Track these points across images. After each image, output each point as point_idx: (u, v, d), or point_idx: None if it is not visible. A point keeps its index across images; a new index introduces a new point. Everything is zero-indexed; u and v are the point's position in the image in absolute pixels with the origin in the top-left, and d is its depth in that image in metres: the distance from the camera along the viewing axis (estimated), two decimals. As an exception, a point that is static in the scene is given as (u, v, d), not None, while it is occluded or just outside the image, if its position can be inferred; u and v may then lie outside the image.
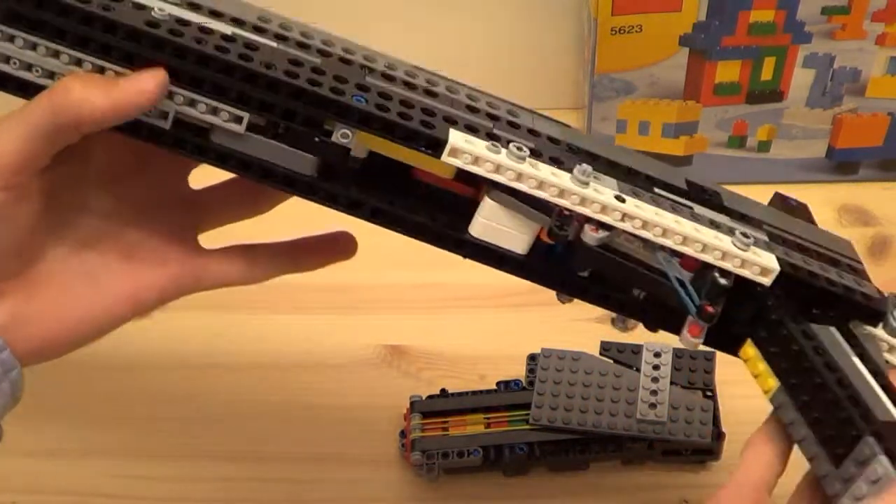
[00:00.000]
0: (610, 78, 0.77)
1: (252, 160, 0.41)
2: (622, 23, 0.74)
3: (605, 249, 0.42)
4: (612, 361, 0.63)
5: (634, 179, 0.43)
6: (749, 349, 0.42)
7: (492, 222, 0.42)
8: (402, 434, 0.63)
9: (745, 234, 0.42)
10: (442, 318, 0.71)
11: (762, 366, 0.42)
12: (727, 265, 0.41)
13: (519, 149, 0.40)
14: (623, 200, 0.41)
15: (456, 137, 0.40)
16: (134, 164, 0.43)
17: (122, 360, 0.69)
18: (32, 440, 0.63)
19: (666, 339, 0.63)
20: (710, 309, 0.41)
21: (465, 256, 0.44)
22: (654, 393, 0.60)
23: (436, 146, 0.40)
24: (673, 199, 0.43)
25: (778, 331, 0.41)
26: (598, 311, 0.71)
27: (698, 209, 0.43)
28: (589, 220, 0.41)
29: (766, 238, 0.43)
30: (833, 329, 0.42)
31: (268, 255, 0.46)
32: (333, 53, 0.43)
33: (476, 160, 0.40)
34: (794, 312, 0.41)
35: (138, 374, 0.68)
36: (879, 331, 0.44)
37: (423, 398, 0.63)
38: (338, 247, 0.47)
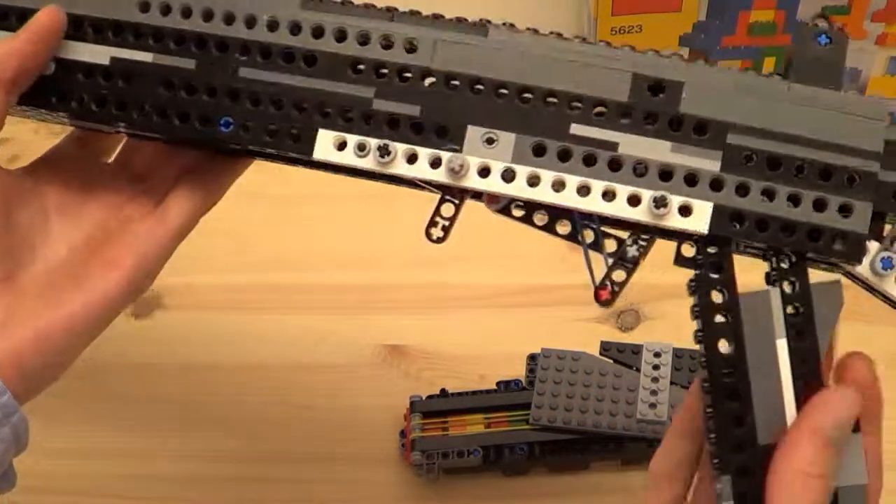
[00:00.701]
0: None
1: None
2: (622, 23, 0.74)
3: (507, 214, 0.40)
4: (612, 361, 0.63)
5: (551, 121, 0.38)
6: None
7: None
8: (402, 434, 0.63)
9: (669, 179, 0.37)
10: (442, 318, 0.71)
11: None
12: (631, 247, 0.39)
13: (383, 152, 0.39)
14: (512, 178, 0.38)
15: (321, 150, 0.40)
16: (78, 192, 0.45)
17: (122, 360, 0.69)
18: (33, 440, 0.63)
19: (666, 339, 0.63)
20: (603, 294, 0.39)
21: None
22: (654, 393, 0.60)
23: (306, 153, 0.40)
24: (595, 138, 0.37)
25: (700, 299, 0.37)
26: (598, 312, 0.71)
27: (627, 143, 0.37)
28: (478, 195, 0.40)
29: (715, 168, 0.37)
30: (773, 292, 0.36)
31: (217, 169, 0.46)
32: (211, 38, 0.41)
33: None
34: (725, 276, 0.37)
35: (138, 374, 0.68)
36: (864, 269, 0.37)
37: (423, 398, 0.63)
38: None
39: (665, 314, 0.69)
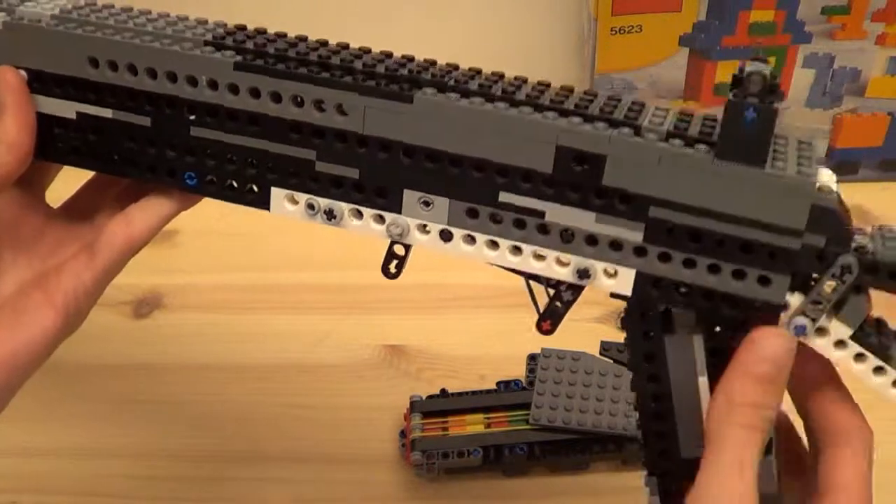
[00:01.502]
0: (610, 78, 0.77)
1: None
2: (622, 23, 0.74)
3: None
4: (612, 361, 0.63)
5: (481, 188, 0.39)
6: None
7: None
8: (402, 434, 0.63)
9: (595, 244, 0.39)
10: (442, 318, 0.71)
11: None
12: (566, 293, 0.41)
13: (329, 215, 0.42)
14: (450, 238, 0.41)
15: (276, 206, 0.43)
16: (32, 233, 0.47)
17: (122, 361, 0.69)
18: (33, 440, 0.63)
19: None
20: (546, 326, 0.41)
21: None
22: (654, 393, 0.60)
23: (265, 208, 0.43)
24: (523, 206, 0.39)
25: (634, 340, 0.40)
26: (598, 311, 0.71)
27: (553, 212, 0.38)
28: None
29: (638, 239, 0.38)
30: (696, 338, 0.39)
31: (144, 207, 0.46)
32: (159, 97, 0.43)
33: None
34: (651, 323, 0.40)
35: (138, 375, 0.68)
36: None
37: (423, 398, 0.63)
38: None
39: (665, 314, 0.69)
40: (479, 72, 0.41)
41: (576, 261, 0.39)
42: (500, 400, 0.62)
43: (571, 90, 0.40)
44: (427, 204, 0.40)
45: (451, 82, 0.39)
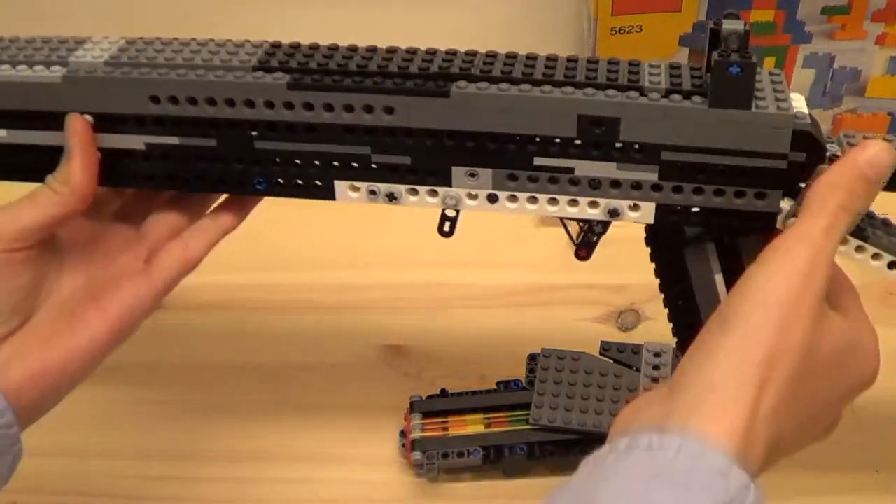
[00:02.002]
0: (610, 78, 0.77)
1: None
2: (622, 23, 0.74)
3: None
4: (612, 361, 0.63)
5: (517, 156, 0.46)
6: None
7: None
8: (402, 434, 0.63)
9: (619, 187, 0.46)
10: (442, 318, 0.71)
11: None
12: (597, 227, 0.48)
13: (390, 197, 0.48)
14: (496, 200, 0.47)
15: (340, 195, 0.49)
16: (87, 239, 0.50)
17: (122, 360, 0.69)
18: (32, 440, 0.63)
19: (666, 339, 0.63)
20: (582, 253, 0.49)
21: None
22: (654, 393, 0.60)
23: (330, 198, 0.49)
24: (555, 166, 0.46)
25: (658, 255, 0.50)
26: (598, 311, 0.71)
27: (581, 167, 0.46)
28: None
29: (654, 178, 0.45)
30: (710, 245, 0.48)
31: (197, 232, 0.51)
32: (221, 121, 0.47)
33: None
34: (671, 239, 0.49)
35: (138, 374, 0.68)
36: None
37: (423, 398, 0.63)
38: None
39: (665, 314, 0.68)
40: (495, 55, 0.46)
41: (604, 203, 0.46)
42: (500, 400, 0.62)
43: (576, 59, 0.46)
44: (473, 175, 0.47)
45: (477, 72, 0.45)
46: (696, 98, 0.43)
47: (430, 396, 0.63)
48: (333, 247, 0.74)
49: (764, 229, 0.45)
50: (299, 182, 0.48)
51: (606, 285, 0.72)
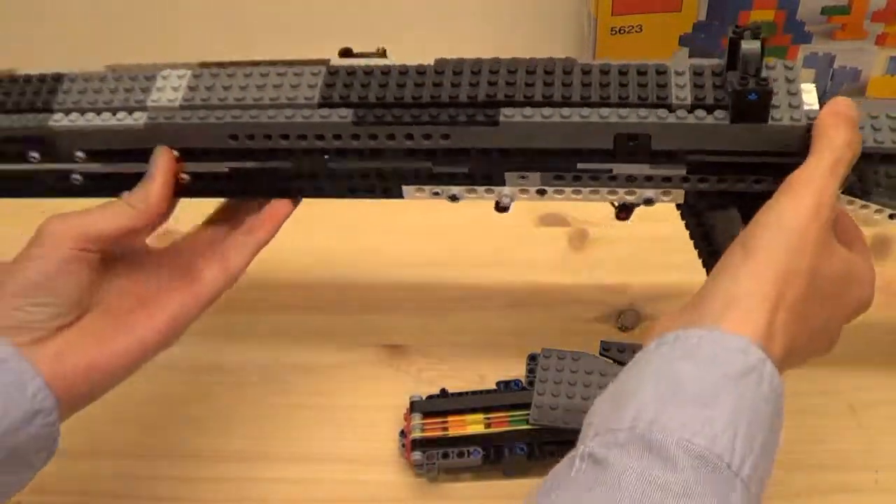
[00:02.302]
0: (610, 78, 0.77)
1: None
2: (622, 23, 0.74)
3: None
4: (612, 361, 0.63)
5: (562, 162, 0.52)
6: None
7: None
8: (402, 434, 0.63)
9: (652, 180, 0.52)
10: (442, 318, 0.71)
11: None
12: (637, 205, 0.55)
13: (452, 198, 0.54)
14: (544, 193, 0.53)
15: (408, 196, 0.55)
16: (139, 250, 0.56)
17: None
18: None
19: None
20: (622, 215, 0.55)
21: None
22: (654, 393, 0.60)
23: (399, 198, 0.55)
24: (595, 168, 0.52)
25: (690, 220, 0.56)
26: (598, 311, 0.71)
27: (618, 168, 0.52)
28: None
29: (683, 173, 0.52)
30: (733, 212, 0.53)
31: (235, 247, 0.55)
32: (295, 150, 0.53)
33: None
34: (703, 208, 0.55)
35: (139, 374, 0.68)
36: None
37: (423, 398, 0.63)
38: (280, 209, 0.56)
39: (665, 314, 0.68)
40: (534, 71, 0.51)
41: (640, 192, 0.53)
42: (500, 400, 0.62)
43: (608, 70, 0.51)
44: (523, 177, 0.53)
45: (521, 97, 0.50)
46: (719, 113, 0.49)
47: (430, 396, 0.63)
48: (334, 246, 0.74)
49: None
50: (370, 187, 0.54)
51: (606, 285, 0.72)
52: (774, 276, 0.43)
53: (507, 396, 0.62)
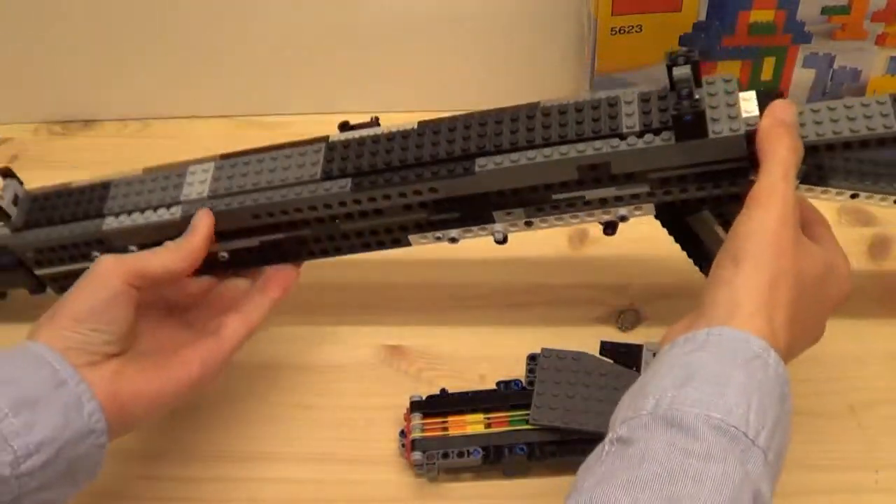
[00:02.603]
0: (610, 78, 0.77)
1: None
2: (622, 23, 0.74)
3: None
4: (612, 361, 0.63)
5: (539, 197, 0.59)
6: None
7: None
8: (402, 434, 0.63)
9: (622, 200, 0.59)
10: (442, 318, 0.71)
11: None
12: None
13: (452, 240, 0.62)
14: (531, 224, 0.61)
15: (414, 242, 0.63)
16: (173, 304, 0.63)
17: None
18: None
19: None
20: (608, 231, 0.61)
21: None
22: (654, 393, 0.60)
23: (406, 246, 0.63)
24: (568, 197, 0.59)
25: (669, 227, 0.62)
26: (598, 311, 0.71)
27: (589, 194, 0.59)
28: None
29: (647, 189, 0.58)
30: (706, 213, 0.59)
31: (253, 304, 0.62)
32: (311, 221, 0.62)
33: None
34: (676, 216, 0.60)
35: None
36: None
37: (423, 398, 0.63)
38: (285, 273, 0.64)
39: (665, 314, 0.68)
40: (502, 120, 0.58)
41: (614, 211, 0.60)
42: (500, 400, 0.62)
43: (566, 110, 0.58)
44: (509, 213, 0.60)
45: (491, 147, 0.57)
46: (665, 134, 0.55)
47: (430, 396, 0.63)
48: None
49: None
50: (381, 241, 0.63)
51: (606, 285, 0.72)
52: (766, 281, 0.48)
53: (507, 396, 0.62)
